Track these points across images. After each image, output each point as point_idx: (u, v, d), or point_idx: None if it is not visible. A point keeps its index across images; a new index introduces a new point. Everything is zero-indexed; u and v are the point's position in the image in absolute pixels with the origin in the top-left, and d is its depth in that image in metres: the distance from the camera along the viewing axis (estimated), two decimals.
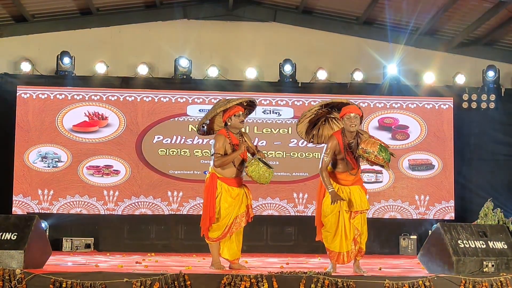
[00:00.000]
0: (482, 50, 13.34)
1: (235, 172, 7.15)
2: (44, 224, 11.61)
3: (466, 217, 12.40)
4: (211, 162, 7.23)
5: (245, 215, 7.19)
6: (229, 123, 7.16)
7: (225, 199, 7.08)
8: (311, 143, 7.55)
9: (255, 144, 8.20)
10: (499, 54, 13.33)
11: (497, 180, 13.00)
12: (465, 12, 12.21)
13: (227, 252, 7.20)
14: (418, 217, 12.81)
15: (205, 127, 7.44)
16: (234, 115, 7.11)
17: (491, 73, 12.99)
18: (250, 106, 7.45)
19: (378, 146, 6.72)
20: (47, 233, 11.71)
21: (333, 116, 7.35)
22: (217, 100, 7.49)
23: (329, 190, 6.90)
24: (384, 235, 12.68)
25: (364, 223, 7.10)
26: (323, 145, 7.24)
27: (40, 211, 12.12)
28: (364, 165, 7.43)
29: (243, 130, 7.38)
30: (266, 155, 7.25)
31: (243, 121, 7.20)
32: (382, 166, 6.85)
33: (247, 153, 7.25)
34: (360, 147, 6.79)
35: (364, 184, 7.30)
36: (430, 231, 11.67)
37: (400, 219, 12.83)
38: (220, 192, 7.09)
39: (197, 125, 7.52)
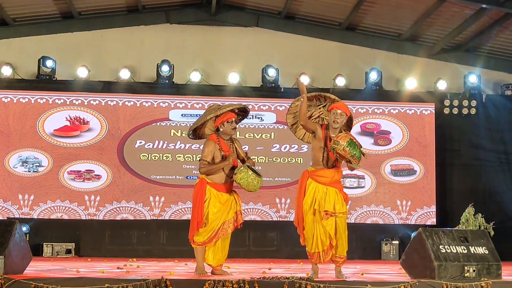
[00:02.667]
0: (463, 56, 13.44)
1: (224, 178, 7.10)
2: (24, 228, 11.49)
3: (447, 223, 12.45)
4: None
5: (233, 221, 7.13)
6: (221, 129, 7.14)
7: (213, 204, 7.03)
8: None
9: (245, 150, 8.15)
10: (480, 60, 13.42)
11: (479, 185, 13.07)
12: (447, 18, 12.28)
13: (212, 259, 7.14)
14: (400, 222, 12.85)
15: (197, 131, 7.41)
16: (227, 122, 7.09)
17: (472, 79, 13.08)
18: (242, 112, 7.44)
19: (348, 140, 6.71)
20: (27, 238, 11.58)
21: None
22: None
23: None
24: (366, 240, 12.70)
25: (344, 229, 7.02)
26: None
27: (21, 216, 12.03)
28: (345, 170, 7.40)
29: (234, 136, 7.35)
30: (255, 163, 7.19)
31: (235, 128, 7.18)
32: (350, 162, 6.80)
33: (237, 160, 7.23)
34: (332, 139, 6.81)
35: (346, 189, 7.27)
36: (412, 236, 11.71)
37: (382, 224, 12.87)
38: (208, 197, 7.03)
39: (188, 130, 7.47)
